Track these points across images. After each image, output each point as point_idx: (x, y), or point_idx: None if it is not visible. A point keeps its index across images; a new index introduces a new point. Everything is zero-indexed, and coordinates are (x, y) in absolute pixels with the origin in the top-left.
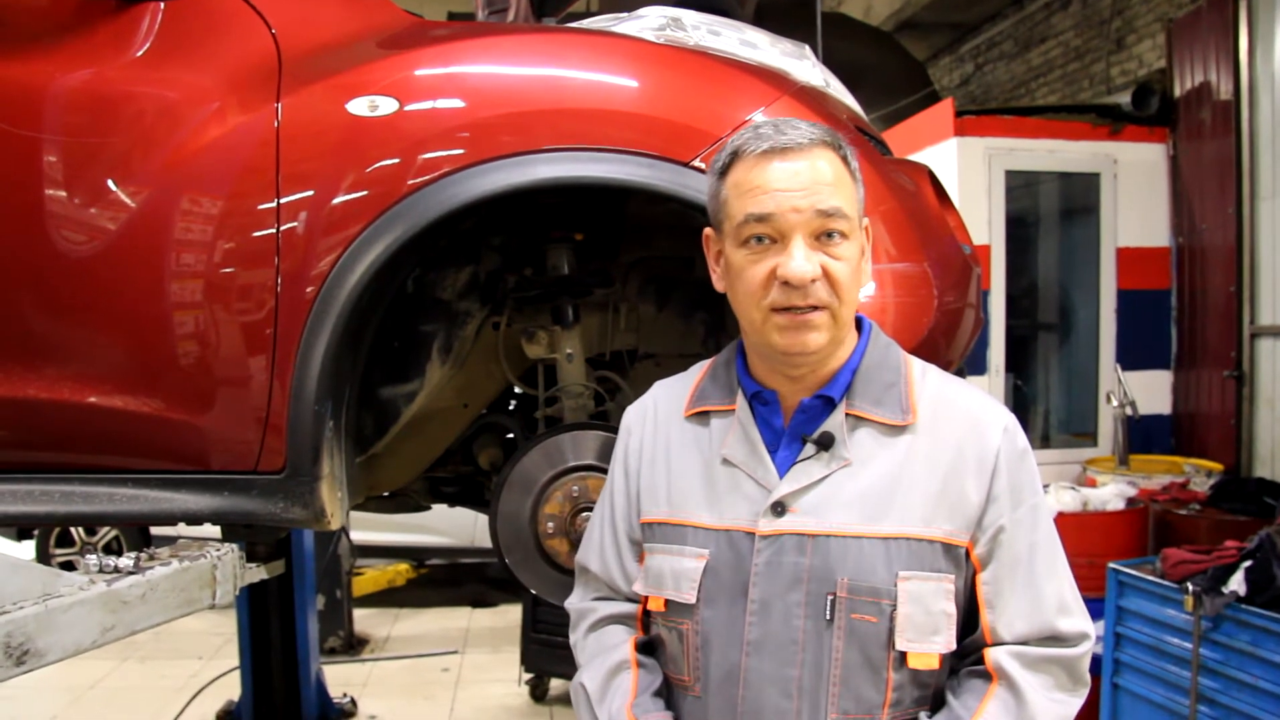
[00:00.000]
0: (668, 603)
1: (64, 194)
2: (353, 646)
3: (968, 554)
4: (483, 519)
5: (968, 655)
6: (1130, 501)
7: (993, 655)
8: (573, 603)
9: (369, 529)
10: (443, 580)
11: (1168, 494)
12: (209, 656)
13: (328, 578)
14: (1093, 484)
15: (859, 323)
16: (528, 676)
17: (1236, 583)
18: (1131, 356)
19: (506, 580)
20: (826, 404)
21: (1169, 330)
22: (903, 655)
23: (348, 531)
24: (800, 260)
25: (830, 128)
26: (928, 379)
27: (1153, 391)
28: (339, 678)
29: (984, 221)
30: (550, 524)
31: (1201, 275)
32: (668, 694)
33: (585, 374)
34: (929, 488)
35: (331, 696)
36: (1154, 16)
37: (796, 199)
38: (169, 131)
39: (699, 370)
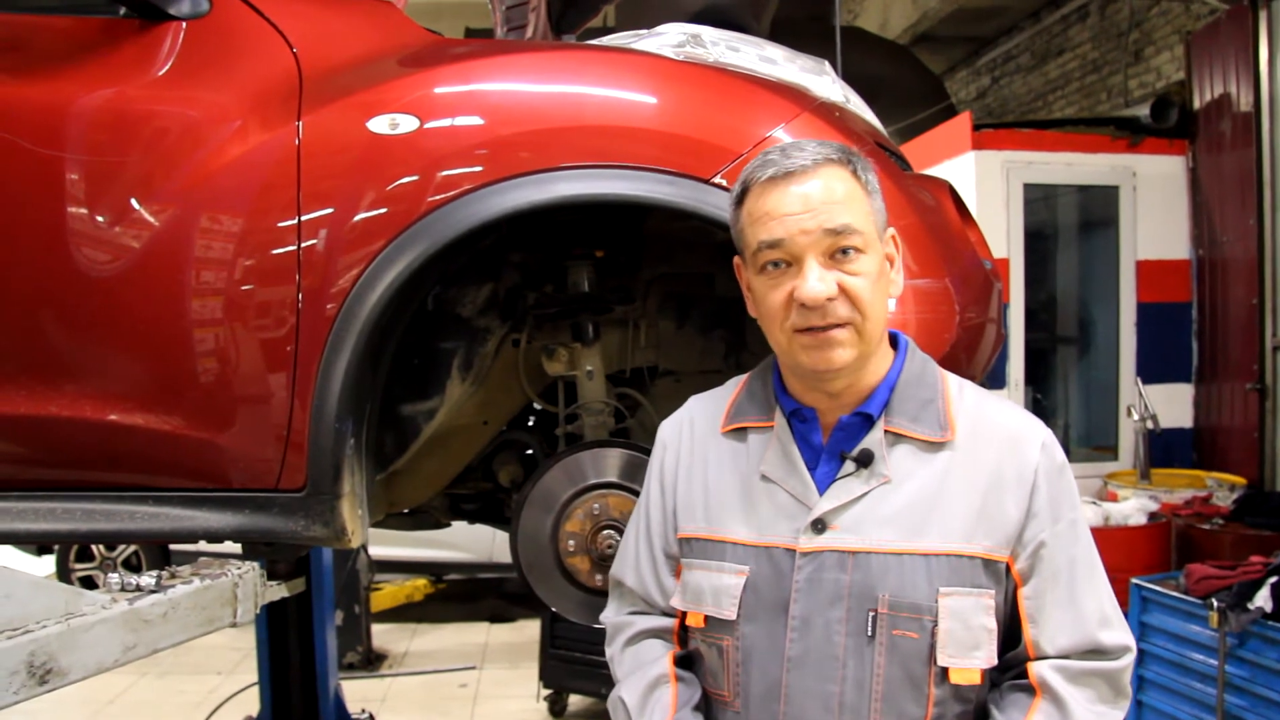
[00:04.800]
0: (707, 618)
1: (86, 212)
2: (371, 662)
3: (1008, 569)
4: (500, 534)
5: (1009, 670)
6: (1152, 516)
7: (1036, 669)
8: (608, 617)
9: (387, 544)
10: (461, 595)
11: (1190, 508)
12: (228, 672)
13: (346, 593)
14: (1114, 498)
15: (895, 340)
16: (546, 692)
17: (1263, 598)
18: (1152, 370)
19: (525, 595)
20: (865, 421)
21: (1190, 343)
22: (944, 671)
23: (366, 547)
24: (814, 281)
25: (842, 144)
26: (965, 395)
27: (1174, 405)
28: (357, 693)
29: (1002, 235)
30: (571, 541)
31: (1222, 288)
32: (706, 709)
33: (606, 391)
34: (969, 504)
35: (350, 712)
36: (1172, 29)
37: (804, 221)
38: (191, 150)
39: (735, 386)
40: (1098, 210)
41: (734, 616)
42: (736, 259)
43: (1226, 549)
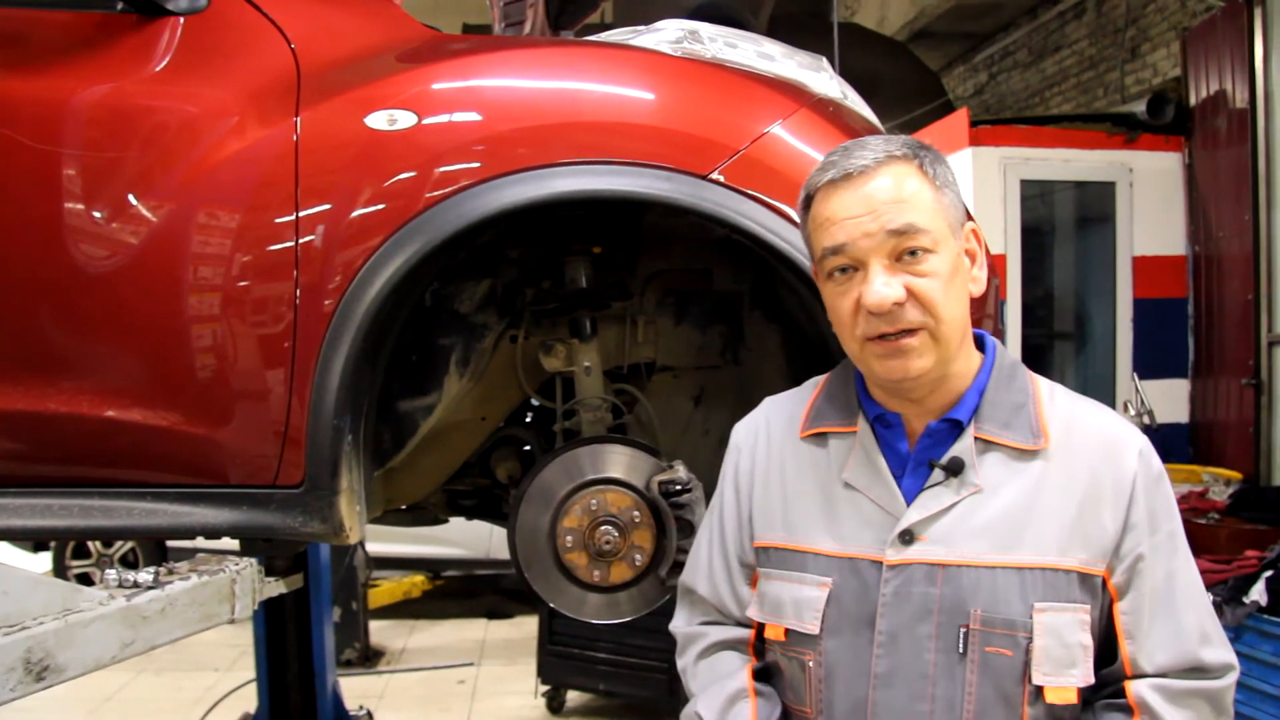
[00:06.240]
0: (788, 632)
1: (83, 208)
2: (369, 658)
3: (1104, 583)
4: (498, 530)
5: (1104, 687)
6: None
7: (1134, 688)
8: (678, 627)
9: (385, 540)
10: (458, 592)
11: (1186, 503)
12: (225, 668)
13: (344, 590)
14: None
15: (981, 341)
16: (544, 688)
17: (1258, 593)
18: (1148, 365)
19: (522, 592)
20: (953, 427)
21: (1186, 339)
22: (1039, 689)
23: (364, 543)
24: (879, 286)
25: (910, 138)
26: (1056, 399)
27: (1170, 400)
28: (355, 690)
29: (999, 231)
30: (569, 537)
31: (1218, 283)
32: None
33: (603, 387)
34: (1064, 515)
35: (348, 709)
36: (1168, 25)
37: (865, 223)
38: (188, 146)
39: (812, 388)
40: (1094, 206)
41: (817, 630)
42: (814, 265)
43: (1222, 543)
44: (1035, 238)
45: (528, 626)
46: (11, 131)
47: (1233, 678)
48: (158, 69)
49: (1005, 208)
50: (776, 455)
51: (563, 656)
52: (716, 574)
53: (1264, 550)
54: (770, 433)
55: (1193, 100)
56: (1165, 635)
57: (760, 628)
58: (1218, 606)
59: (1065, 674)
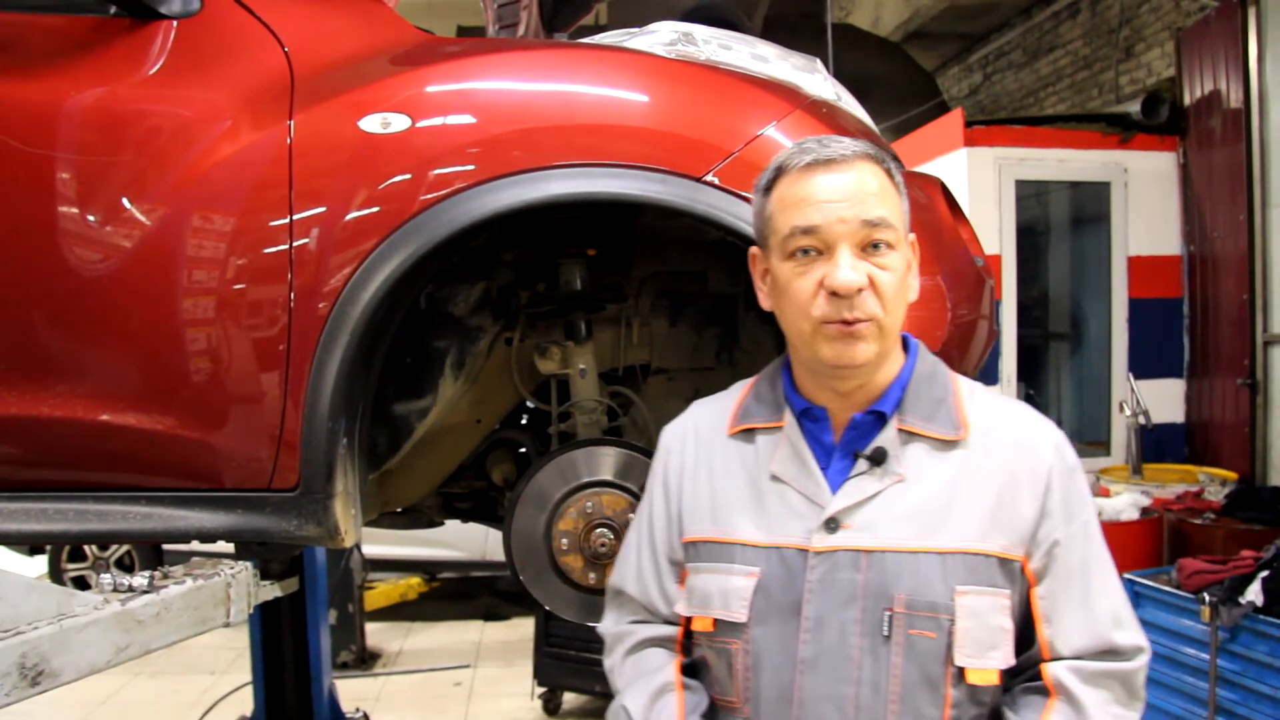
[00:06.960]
0: (716, 622)
1: (77, 211)
2: (365, 661)
3: (1022, 568)
4: (494, 532)
5: (1023, 671)
6: (1144, 511)
7: (1051, 670)
8: (606, 627)
9: (380, 543)
10: (455, 594)
11: (1182, 503)
12: (221, 671)
13: (340, 592)
14: (1106, 494)
15: (905, 341)
16: (540, 690)
17: (1254, 593)
18: (1144, 365)
19: (518, 593)
20: (878, 420)
21: (1181, 339)
22: (961, 671)
23: (359, 546)
24: (847, 270)
25: (874, 143)
26: (976, 396)
27: (1166, 400)
28: (351, 692)
29: (994, 231)
30: (564, 540)
31: (1214, 283)
32: (713, 717)
33: (598, 389)
34: (984, 503)
35: (344, 711)
36: (1162, 25)
37: (842, 209)
38: (182, 149)
39: (740, 389)
40: (1089, 206)
41: (745, 619)
42: (753, 250)
43: (1218, 544)
44: (1030, 238)
45: (524, 628)
46: (5, 136)
47: (1143, 660)
48: (151, 72)
49: (1000, 208)
50: (705, 453)
51: (559, 658)
52: (645, 573)
53: (1260, 550)
54: (699, 432)
55: (1187, 100)
56: (1080, 619)
57: (688, 623)
58: (1214, 607)
59: (987, 656)
